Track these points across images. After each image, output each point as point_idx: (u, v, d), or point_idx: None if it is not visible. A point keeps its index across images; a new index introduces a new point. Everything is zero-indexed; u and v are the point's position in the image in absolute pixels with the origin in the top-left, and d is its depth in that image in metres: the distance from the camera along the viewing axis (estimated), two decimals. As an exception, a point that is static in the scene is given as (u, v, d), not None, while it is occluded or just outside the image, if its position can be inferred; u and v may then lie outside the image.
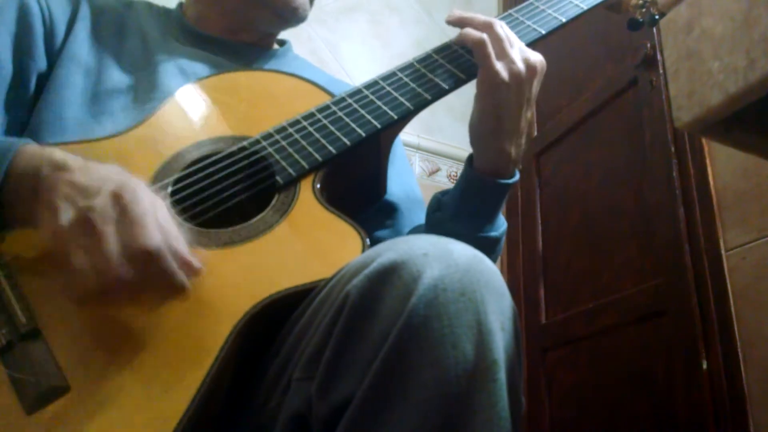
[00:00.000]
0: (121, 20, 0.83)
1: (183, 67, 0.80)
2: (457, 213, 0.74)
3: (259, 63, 0.89)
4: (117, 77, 0.76)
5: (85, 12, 0.80)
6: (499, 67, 0.69)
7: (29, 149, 0.57)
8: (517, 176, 0.75)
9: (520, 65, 0.70)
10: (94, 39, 0.79)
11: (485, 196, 0.74)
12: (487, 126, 0.72)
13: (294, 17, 0.88)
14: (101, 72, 0.76)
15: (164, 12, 0.90)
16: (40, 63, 0.74)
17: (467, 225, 0.74)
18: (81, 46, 0.77)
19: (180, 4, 0.92)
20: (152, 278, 0.51)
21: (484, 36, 0.71)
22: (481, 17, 0.74)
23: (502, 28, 0.72)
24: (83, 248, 0.50)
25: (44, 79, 0.74)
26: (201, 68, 0.81)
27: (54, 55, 0.76)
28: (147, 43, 0.82)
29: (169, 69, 0.79)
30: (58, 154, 0.57)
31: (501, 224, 0.77)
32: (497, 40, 0.71)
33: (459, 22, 0.75)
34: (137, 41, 0.82)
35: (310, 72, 0.93)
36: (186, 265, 0.53)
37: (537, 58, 0.72)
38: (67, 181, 0.53)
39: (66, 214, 0.51)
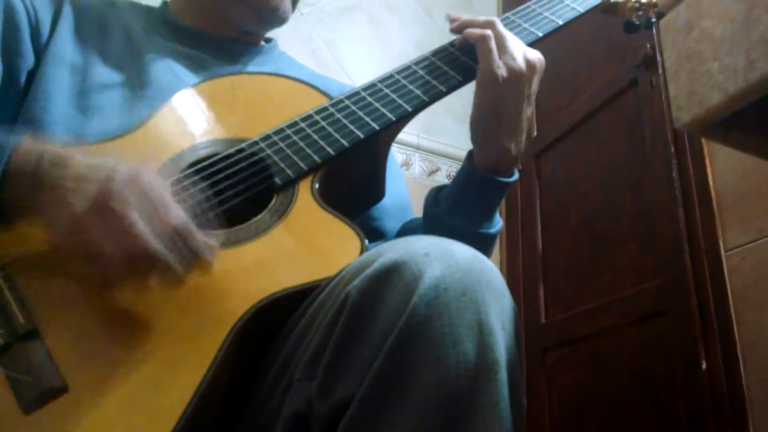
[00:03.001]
0: (104, 18, 0.83)
1: (169, 64, 0.80)
2: (454, 208, 0.74)
3: (244, 59, 0.89)
4: (103, 73, 0.77)
5: (68, 10, 0.80)
6: (500, 62, 0.70)
7: (25, 145, 0.57)
8: (517, 175, 0.76)
9: (521, 62, 0.71)
10: (77, 36, 0.79)
11: (484, 193, 0.74)
12: (486, 122, 0.72)
13: (273, 17, 0.87)
14: (87, 68, 0.76)
15: (147, 9, 0.90)
16: (29, 60, 0.75)
17: (465, 221, 0.74)
18: (65, 43, 0.77)
19: (164, 2, 0.92)
20: (181, 257, 0.53)
21: (488, 32, 0.72)
22: (482, 18, 0.75)
23: (503, 26, 0.74)
24: (108, 234, 0.51)
25: (32, 75, 0.74)
26: (185, 64, 0.82)
27: (40, 51, 0.76)
28: (131, 40, 0.82)
29: (156, 65, 0.79)
30: (55, 148, 0.57)
31: (497, 222, 0.78)
32: (499, 37, 0.72)
33: (462, 26, 0.76)
34: (121, 38, 0.82)
35: (296, 69, 0.93)
36: (206, 244, 0.54)
37: (537, 56, 0.73)
38: (74, 174, 0.54)
39: (81, 203, 0.52)
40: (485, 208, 0.75)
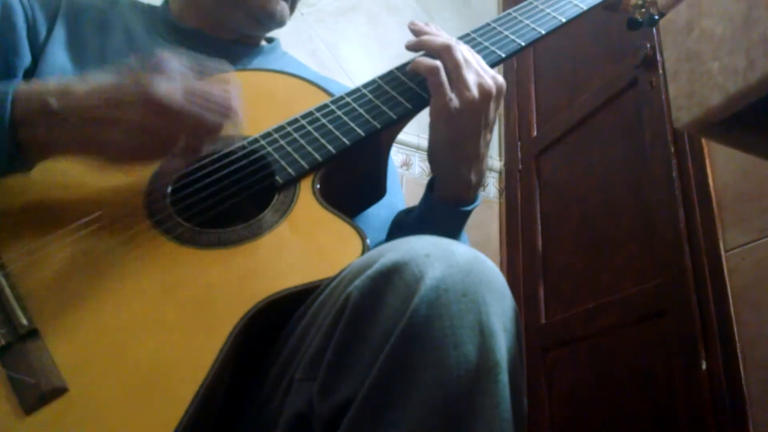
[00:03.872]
0: (104, 17, 0.83)
1: None
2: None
3: (243, 60, 0.89)
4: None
5: (66, 8, 0.80)
6: (452, 95, 0.67)
7: (22, 90, 0.58)
8: (479, 201, 0.74)
9: (474, 91, 0.67)
10: (76, 35, 0.79)
11: (444, 223, 0.73)
12: (443, 155, 0.71)
13: (271, 21, 0.87)
14: (85, 68, 0.76)
15: (149, 9, 0.90)
16: (26, 59, 0.75)
17: None
18: (63, 42, 0.77)
19: (165, 2, 0.92)
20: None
21: (438, 64, 0.69)
22: (438, 40, 0.71)
23: (460, 52, 0.69)
24: (168, 123, 0.55)
25: (30, 74, 0.74)
26: None
27: (38, 50, 0.76)
28: (132, 40, 0.82)
29: None
30: (52, 83, 0.58)
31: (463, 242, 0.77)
32: (452, 66, 0.68)
33: (417, 47, 0.73)
34: (121, 38, 0.82)
35: (299, 69, 0.93)
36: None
37: (491, 82, 0.69)
38: (90, 92, 0.56)
39: (131, 113, 0.54)
40: (447, 235, 0.74)
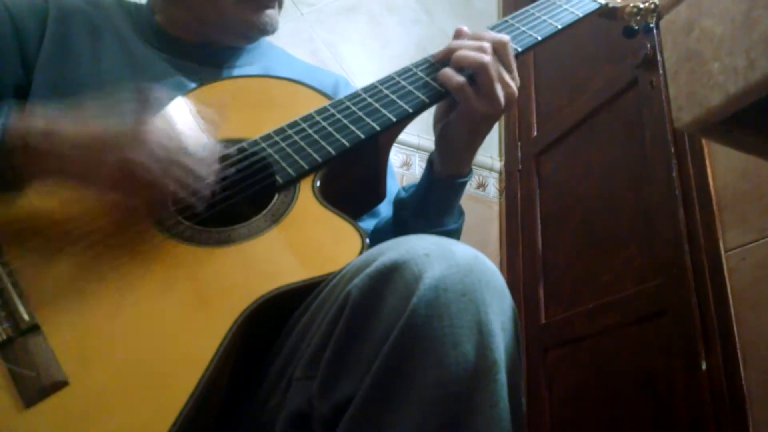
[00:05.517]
0: (92, 20, 0.82)
1: (163, 73, 0.80)
2: (419, 212, 0.79)
3: (230, 61, 0.88)
4: (98, 78, 0.76)
5: (54, 15, 0.79)
6: (479, 105, 0.71)
7: (13, 122, 0.60)
8: (471, 174, 0.80)
9: (502, 103, 0.71)
10: (68, 42, 0.78)
11: (448, 196, 0.79)
12: (460, 145, 0.76)
13: (263, 34, 0.87)
14: (81, 73, 0.76)
15: (135, 9, 0.88)
16: (17, 70, 0.74)
17: (429, 222, 0.78)
18: (56, 50, 0.76)
19: (149, 3, 0.89)
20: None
21: (463, 83, 0.71)
22: (471, 56, 0.71)
23: (495, 67, 0.71)
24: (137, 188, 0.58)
25: (23, 84, 0.74)
26: (179, 73, 0.81)
27: (30, 60, 0.75)
28: (125, 45, 0.81)
29: (151, 74, 0.79)
30: (39, 122, 0.60)
31: (460, 214, 0.82)
32: (487, 84, 0.71)
33: (449, 58, 0.74)
34: (114, 42, 0.81)
35: (287, 62, 0.93)
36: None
37: (515, 88, 0.73)
38: (74, 137, 0.58)
39: (104, 171, 0.57)
40: (449, 207, 0.80)
